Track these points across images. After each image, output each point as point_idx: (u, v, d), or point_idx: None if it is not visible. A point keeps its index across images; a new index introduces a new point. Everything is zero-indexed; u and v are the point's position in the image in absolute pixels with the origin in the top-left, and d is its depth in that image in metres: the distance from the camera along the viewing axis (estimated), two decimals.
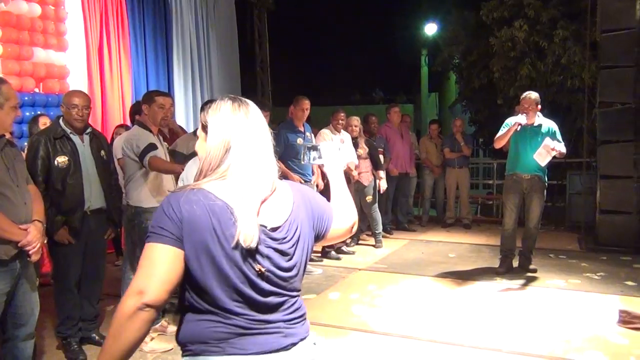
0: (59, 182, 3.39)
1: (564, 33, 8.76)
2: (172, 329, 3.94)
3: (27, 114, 5.45)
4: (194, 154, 4.24)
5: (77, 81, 6.24)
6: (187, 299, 1.44)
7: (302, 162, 1.86)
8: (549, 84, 9.34)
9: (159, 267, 1.37)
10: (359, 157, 6.24)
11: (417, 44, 17.49)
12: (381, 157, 6.73)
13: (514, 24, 9.21)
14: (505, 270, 5.27)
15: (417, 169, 8.47)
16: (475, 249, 6.59)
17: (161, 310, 1.45)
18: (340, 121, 6.20)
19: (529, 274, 5.32)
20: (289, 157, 5.47)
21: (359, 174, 6.27)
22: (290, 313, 1.51)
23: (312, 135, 6.07)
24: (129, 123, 5.87)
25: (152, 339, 3.71)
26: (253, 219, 1.40)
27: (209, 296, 1.40)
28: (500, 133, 5.19)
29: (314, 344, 1.57)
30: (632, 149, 6.25)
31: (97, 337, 3.74)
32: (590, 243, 6.55)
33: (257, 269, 1.42)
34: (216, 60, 9.13)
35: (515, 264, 5.42)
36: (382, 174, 6.56)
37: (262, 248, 1.43)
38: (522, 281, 5.14)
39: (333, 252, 6.14)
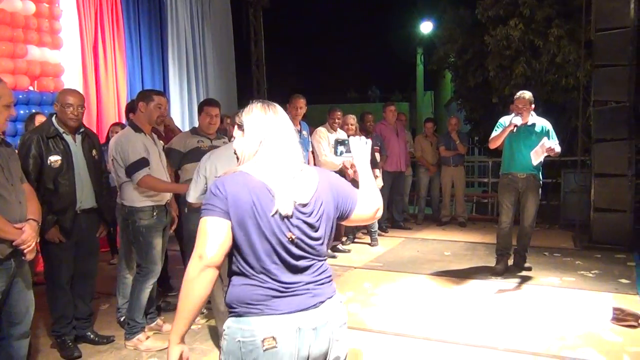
0: (51, 181, 3.38)
1: (559, 32, 8.78)
2: (168, 327, 3.95)
3: (22, 112, 5.44)
4: (191, 152, 4.25)
5: (71, 79, 6.22)
6: (234, 263, 1.74)
7: (337, 156, 2.16)
8: (543, 82, 9.37)
9: (211, 235, 1.67)
10: (348, 158, 6.22)
11: (413, 42, 17.53)
12: (377, 155, 6.73)
13: (509, 23, 9.24)
14: (502, 269, 5.27)
15: (412, 168, 8.48)
16: (470, 247, 6.60)
17: (220, 269, 1.71)
18: (336, 120, 6.21)
19: (524, 272, 5.34)
20: None
21: (354, 172, 6.27)
22: (318, 275, 1.79)
23: (309, 133, 6.08)
24: (124, 121, 5.86)
25: (148, 337, 3.71)
26: (288, 192, 1.72)
27: (254, 258, 1.70)
28: (494, 134, 5.20)
29: (340, 302, 1.86)
30: (626, 148, 6.27)
31: (91, 336, 3.74)
32: (584, 241, 6.57)
33: (289, 237, 1.72)
34: (211, 59, 9.12)
35: (510, 262, 5.44)
36: (377, 172, 6.56)
37: (293, 220, 1.73)
38: (517, 279, 5.16)
39: (329, 251, 6.13)
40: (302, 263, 1.76)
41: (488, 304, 4.51)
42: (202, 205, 1.73)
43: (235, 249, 1.72)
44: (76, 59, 6.44)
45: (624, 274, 5.28)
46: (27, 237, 2.67)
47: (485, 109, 10.53)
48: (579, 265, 5.63)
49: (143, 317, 3.75)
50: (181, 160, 4.26)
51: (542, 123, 5.16)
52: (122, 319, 3.99)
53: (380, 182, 6.59)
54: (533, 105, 5.11)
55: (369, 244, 6.74)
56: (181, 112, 8.32)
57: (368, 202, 1.97)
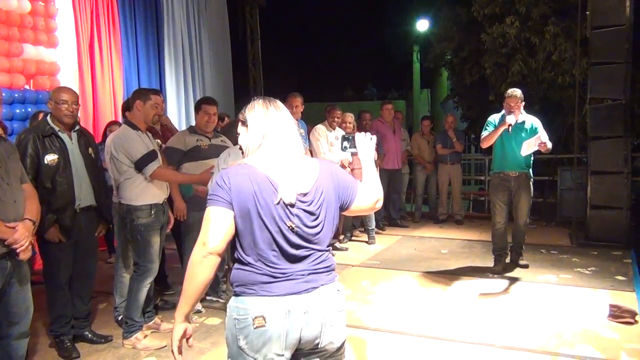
0: (49, 180, 3.37)
1: (555, 29, 8.81)
2: (166, 326, 3.95)
3: (18, 111, 5.43)
4: (191, 151, 4.24)
5: (67, 78, 6.20)
6: (236, 252, 1.85)
7: (342, 151, 2.26)
8: (540, 80, 9.40)
9: (214, 224, 1.78)
10: (352, 153, 6.23)
11: (409, 40, 17.53)
12: (375, 153, 6.73)
13: (505, 21, 9.26)
14: (500, 269, 5.27)
15: (409, 165, 8.48)
16: (467, 245, 6.62)
17: (223, 256, 1.84)
18: (336, 118, 6.21)
19: (521, 270, 5.35)
20: None
21: (352, 170, 6.28)
22: (316, 264, 1.87)
23: (306, 132, 6.08)
24: (120, 120, 5.84)
25: (146, 336, 3.71)
26: (291, 182, 1.81)
27: (253, 246, 1.80)
28: (485, 133, 5.18)
29: (338, 290, 1.91)
30: (622, 145, 6.29)
31: (89, 335, 3.74)
32: (581, 238, 6.60)
33: (289, 225, 1.81)
34: (208, 57, 9.10)
35: (507, 260, 5.45)
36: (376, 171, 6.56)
37: (293, 209, 1.82)
38: (513, 277, 5.17)
39: None
40: (301, 252, 1.84)
41: (485, 301, 4.53)
42: (208, 196, 1.83)
43: (236, 237, 1.83)
44: (72, 58, 6.42)
45: (620, 270, 5.30)
46: (20, 236, 2.65)
47: (482, 106, 10.55)
48: (575, 263, 5.65)
49: (141, 315, 3.74)
50: (181, 158, 4.25)
51: (531, 120, 5.16)
52: (119, 318, 3.99)
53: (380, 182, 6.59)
54: (523, 103, 5.11)
55: (367, 242, 6.75)
56: (177, 110, 8.30)
57: (368, 193, 2.05)
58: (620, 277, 5.07)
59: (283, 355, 1.80)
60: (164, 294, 4.76)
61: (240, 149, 1.95)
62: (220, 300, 4.47)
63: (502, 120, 5.11)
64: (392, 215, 7.88)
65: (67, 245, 3.49)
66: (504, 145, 5.14)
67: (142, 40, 7.76)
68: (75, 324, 3.66)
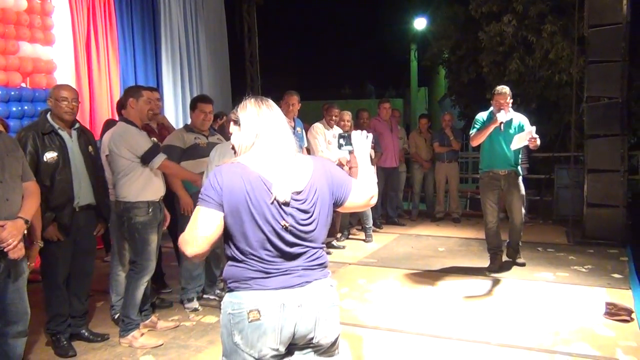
0: (48, 178, 3.36)
1: (552, 28, 8.81)
2: (162, 324, 3.95)
3: (14, 109, 5.41)
4: (190, 149, 4.24)
5: (64, 76, 6.18)
6: (228, 249, 1.86)
7: (339, 149, 2.29)
8: (537, 78, 9.40)
9: (200, 224, 1.78)
10: (349, 152, 6.22)
11: (407, 38, 17.51)
12: (372, 152, 6.73)
13: (502, 19, 9.26)
14: (496, 268, 5.26)
15: (406, 164, 8.49)
16: (464, 243, 6.63)
17: (208, 253, 1.84)
18: (334, 117, 6.20)
19: (517, 268, 5.36)
20: None
21: (350, 168, 6.28)
22: (311, 261, 1.88)
23: (303, 130, 6.07)
24: (117, 118, 5.82)
25: (142, 334, 3.70)
26: (285, 181, 1.81)
27: (246, 245, 1.80)
28: (474, 131, 5.17)
29: (331, 285, 1.93)
30: (619, 143, 6.30)
31: (86, 333, 3.73)
32: (577, 236, 6.61)
33: (283, 224, 1.81)
34: (205, 55, 9.09)
35: (508, 266, 5.39)
36: (372, 168, 6.55)
37: (287, 208, 1.82)
38: (510, 275, 5.18)
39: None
40: (295, 250, 1.85)
41: (481, 299, 4.54)
42: (200, 194, 1.83)
43: (228, 237, 1.84)
44: (69, 56, 6.40)
45: (616, 268, 5.32)
46: (6, 235, 2.63)
47: (479, 105, 10.51)
48: (572, 261, 5.66)
49: (138, 314, 3.74)
50: (181, 156, 4.24)
51: (519, 118, 5.15)
52: (116, 317, 3.99)
53: (375, 179, 6.58)
54: (511, 100, 5.11)
55: (364, 240, 6.75)
56: (175, 108, 8.28)
57: (363, 190, 2.06)
58: (616, 275, 5.09)
59: (277, 349, 1.80)
60: (160, 292, 4.75)
61: (233, 148, 1.95)
62: (217, 299, 4.47)
63: (491, 117, 5.11)
64: (389, 214, 7.89)
65: (66, 244, 3.48)
66: (493, 143, 5.11)
67: (139, 38, 7.75)
68: (72, 323, 3.65)
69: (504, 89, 5.07)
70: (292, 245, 1.84)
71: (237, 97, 9.79)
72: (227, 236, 1.85)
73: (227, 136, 4.32)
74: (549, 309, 4.23)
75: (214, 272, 4.55)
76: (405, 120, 18.44)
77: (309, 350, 1.88)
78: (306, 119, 6.74)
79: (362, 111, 7.19)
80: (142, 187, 3.64)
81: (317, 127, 6.17)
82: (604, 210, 6.40)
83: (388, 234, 7.20)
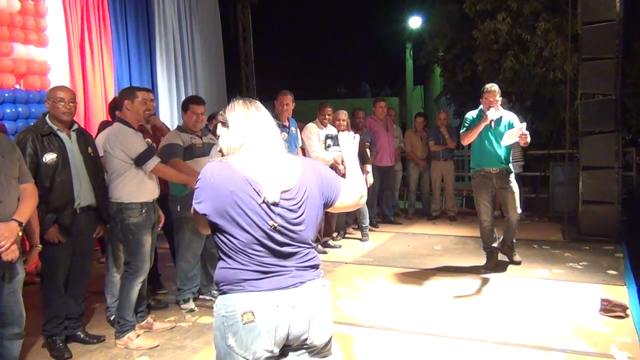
0: (48, 179, 3.35)
1: (546, 25, 8.83)
2: (158, 325, 3.94)
3: (8, 110, 5.40)
4: (187, 149, 4.23)
5: (58, 77, 6.16)
6: (219, 251, 1.87)
7: (327, 150, 2.29)
8: (531, 76, 9.43)
9: (198, 223, 1.91)
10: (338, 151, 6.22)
11: (402, 37, 17.50)
12: (367, 151, 6.74)
13: (496, 17, 9.28)
14: (492, 265, 5.25)
15: (402, 162, 8.50)
16: (460, 241, 6.64)
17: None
18: (327, 116, 6.19)
19: (513, 265, 5.36)
20: None
21: (345, 167, 6.28)
22: (303, 262, 1.88)
23: (298, 130, 6.06)
24: (110, 119, 5.81)
25: (138, 335, 3.69)
26: (273, 181, 1.81)
27: (235, 246, 1.81)
28: (463, 129, 5.16)
29: (324, 286, 1.93)
30: (613, 140, 6.32)
31: (82, 335, 3.72)
32: (573, 233, 6.62)
33: (271, 225, 1.81)
34: (200, 55, 9.07)
35: (503, 263, 5.37)
36: (368, 167, 6.57)
37: (275, 208, 1.82)
38: (506, 272, 5.19)
39: (320, 246, 6.14)
40: (286, 249, 1.85)
41: (477, 297, 4.55)
42: (194, 195, 1.87)
43: (217, 237, 1.86)
44: (63, 57, 6.38)
45: (612, 265, 5.33)
46: None
47: (475, 103, 10.52)
48: (567, 257, 5.68)
49: (133, 315, 3.74)
50: (183, 154, 4.23)
51: (509, 116, 5.15)
52: (112, 318, 3.98)
53: (371, 178, 6.60)
54: (501, 98, 5.11)
55: (360, 239, 6.76)
56: (170, 109, 8.27)
57: (352, 190, 2.07)
58: (611, 272, 5.10)
59: (272, 351, 1.80)
60: (156, 293, 4.75)
61: (221, 151, 1.96)
62: (213, 299, 4.45)
63: (480, 116, 5.11)
64: (385, 212, 7.90)
65: (66, 246, 3.47)
66: (483, 141, 5.10)
67: (133, 39, 7.73)
68: (68, 325, 3.64)
69: (493, 86, 5.08)
70: (282, 245, 1.84)
71: (232, 98, 9.77)
72: (217, 236, 1.86)
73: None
74: (545, 305, 4.24)
75: (210, 273, 4.55)
76: (401, 119, 18.48)
77: (303, 351, 1.88)
78: (303, 118, 6.74)
79: (358, 110, 7.19)
80: (136, 188, 3.64)
81: (311, 127, 6.17)
82: (599, 207, 6.42)
83: (384, 233, 7.21)
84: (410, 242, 6.68)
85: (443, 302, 4.42)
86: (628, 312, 3.99)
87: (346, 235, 7.01)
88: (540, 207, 8.13)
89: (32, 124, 3.97)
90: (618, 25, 6.22)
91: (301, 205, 1.87)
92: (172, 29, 8.38)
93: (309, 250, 1.92)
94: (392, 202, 8.09)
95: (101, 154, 3.82)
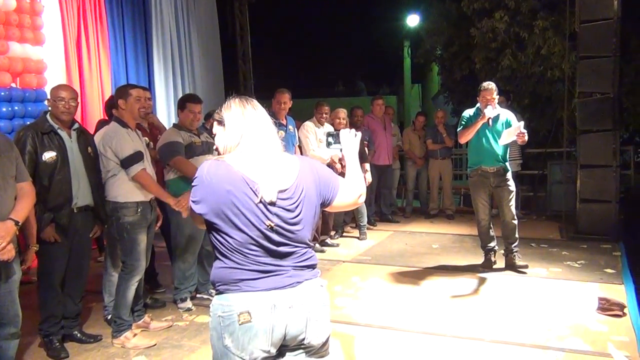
0: (46, 178, 3.34)
1: (544, 24, 8.82)
2: (155, 325, 3.93)
3: (4, 109, 5.37)
4: (188, 146, 4.21)
5: (55, 76, 6.14)
6: (215, 249, 1.86)
7: (328, 147, 2.27)
8: (529, 74, 9.42)
9: (195, 220, 1.91)
10: (340, 150, 6.21)
11: (400, 35, 17.51)
12: (365, 149, 6.73)
13: (494, 15, 9.27)
14: (490, 264, 5.23)
15: (400, 161, 8.49)
16: (458, 239, 6.64)
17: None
18: (324, 114, 6.18)
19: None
20: None
21: (343, 167, 6.27)
22: (300, 262, 1.87)
23: (295, 128, 6.05)
24: (107, 117, 5.79)
25: (135, 335, 3.68)
26: (270, 181, 1.79)
27: (232, 245, 1.79)
28: (461, 127, 5.14)
29: (321, 286, 1.92)
30: (611, 138, 6.32)
31: (79, 335, 3.71)
32: (571, 232, 6.63)
33: (268, 224, 1.79)
34: (197, 53, 9.05)
35: (501, 262, 5.32)
36: (366, 166, 6.55)
37: (272, 207, 1.80)
38: (504, 271, 5.18)
39: (317, 245, 6.14)
40: (283, 249, 1.83)
41: (475, 295, 4.54)
42: (191, 194, 1.86)
43: (213, 237, 1.85)
44: (59, 55, 6.36)
45: (609, 264, 5.34)
46: None
47: (472, 101, 10.51)
48: (565, 256, 5.68)
49: (130, 314, 3.72)
50: (184, 152, 4.21)
51: (506, 115, 5.14)
52: (109, 317, 3.96)
53: (369, 177, 6.59)
54: (498, 97, 5.10)
55: (358, 237, 6.75)
56: (167, 108, 8.24)
57: (350, 189, 2.04)
58: (609, 270, 5.11)
59: (269, 351, 1.78)
60: (154, 292, 4.74)
61: (217, 149, 1.95)
62: (211, 298, 4.44)
63: (478, 114, 5.09)
64: (383, 211, 7.90)
65: (63, 245, 3.46)
66: (480, 139, 5.08)
67: (130, 37, 7.70)
68: (65, 324, 3.63)
69: (490, 84, 5.07)
70: (279, 244, 1.82)
71: (229, 96, 9.75)
72: (213, 235, 1.84)
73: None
74: (542, 304, 4.24)
75: (208, 271, 4.53)
76: (399, 118, 18.47)
77: (300, 351, 1.87)
78: (300, 116, 6.72)
79: (356, 109, 7.18)
80: (132, 187, 3.62)
81: (308, 125, 6.15)
82: (596, 206, 6.42)
83: (382, 231, 7.21)
84: (408, 240, 6.68)
85: (441, 300, 4.42)
86: (625, 310, 4.00)
87: (344, 234, 7.00)
88: (538, 206, 8.15)
89: (32, 121, 3.96)
90: (616, 24, 6.22)
91: (298, 205, 1.85)
92: (170, 27, 8.35)
93: (306, 249, 1.90)
94: (389, 201, 8.09)
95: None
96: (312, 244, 1.95)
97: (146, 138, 4.22)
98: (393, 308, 4.26)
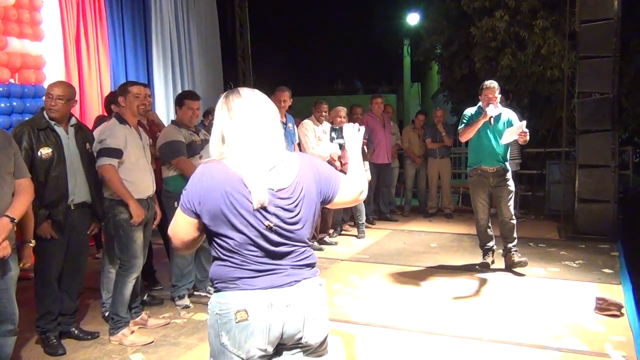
0: (42, 174, 3.33)
1: (544, 23, 8.83)
2: (153, 322, 3.93)
3: (2, 105, 5.35)
4: (189, 145, 4.19)
5: (53, 71, 6.11)
6: (213, 250, 1.84)
7: (331, 142, 2.24)
8: (529, 74, 9.43)
9: (178, 227, 1.84)
10: (340, 145, 6.21)
11: (400, 34, 17.50)
12: (365, 147, 6.73)
13: (494, 14, 9.27)
14: (488, 263, 5.22)
15: (399, 159, 8.49)
16: (456, 239, 6.64)
17: (197, 244, 1.92)
18: (323, 112, 6.17)
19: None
20: None
21: (342, 164, 6.26)
22: (299, 260, 1.84)
23: (295, 126, 6.04)
24: (106, 113, 5.77)
25: (132, 332, 3.68)
26: (262, 185, 1.74)
27: (230, 246, 1.77)
28: (463, 126, 5.13)
29: (319, 285, 1.89)
30: (610, 139, 6.32)
31: (76, 332, 3.70)
32: (569, 231, 6.64)
33: (267, 225, 1.76)
34: (197, 50, 9.03)
35: (500, 262, 5.31)
36: (366, 164, 6.54)
37: (270, 207, 1.76)
38: (502, 270, 5.18)
39: (315, 243, 6.14)
40: (281, 249, 1.81)
41: (473, 295, 4.54)
42: (182, 195, 1.81)
43: (212, 237, 1.81)
44: (58, 51, 6.33)
45: (607, 263, 5.34)
46: None
47: (472, 100, 10.52)
48: (563, 256, 5.68)
49: (127, 311, 3.72)
50: (185, 151, 4.19)
51: (507, 114, 5.13)
52: (106, 314, 3.96)
53: (369, 175, 6.59)
54: (499, 95, 5.09)
55: (356, 236, 6.75)
56: (166, 104, 8.23)
57: (352, 185, 2.01)
58: (607, 270, 5.11)
59: (265, 350, 1.77)
60: (151, 289, 4.73)
61: (214, 148, 1.89)
62: (209, 295, 4.44)
63: (479, 112, 5.08)
64: (381, 209, 7.90)
65: (60, 242, 3.45)
66: (481, 138, 5.07)
67: (129, 34, 7.68)
68: (62, 321, 3.62)
69: (492, 83, 5.06)
70: (277, 244, 1.79)
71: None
72: (211, 237, 1.82)
73: None
74: (540, 304, 4.25)
75: (206, 268, 4.53)
76: (398, 116, 18.46)
77: (298, 350, 1.86)
78: (300, 114, 6.72)
79: (355, 107, 7.18)
80: (129, 184, 3.60)
81: (307, 123, 6.15)
82: (595, 206, 6.43)
83: (380, 230, 7.21)
84: (406, 239, 6.68)
85: (439, 300, 4.42)
86: (623, 310, 4.00)
87: (342, 232, 7.00)
88: (536, 205, 8.14)
89: (29, 117, 3.94)
90: (616, 24, 6.21)
91: (297, 204, 1.82)
92: (169, 24, 8.33)
93: (304, 248, 1.87)
94: (388, 199, 8.08)
95: None
96: (311, 243, 1.93)
97: (146, 136, 4.20)
98: (391, 307, 4.26)
